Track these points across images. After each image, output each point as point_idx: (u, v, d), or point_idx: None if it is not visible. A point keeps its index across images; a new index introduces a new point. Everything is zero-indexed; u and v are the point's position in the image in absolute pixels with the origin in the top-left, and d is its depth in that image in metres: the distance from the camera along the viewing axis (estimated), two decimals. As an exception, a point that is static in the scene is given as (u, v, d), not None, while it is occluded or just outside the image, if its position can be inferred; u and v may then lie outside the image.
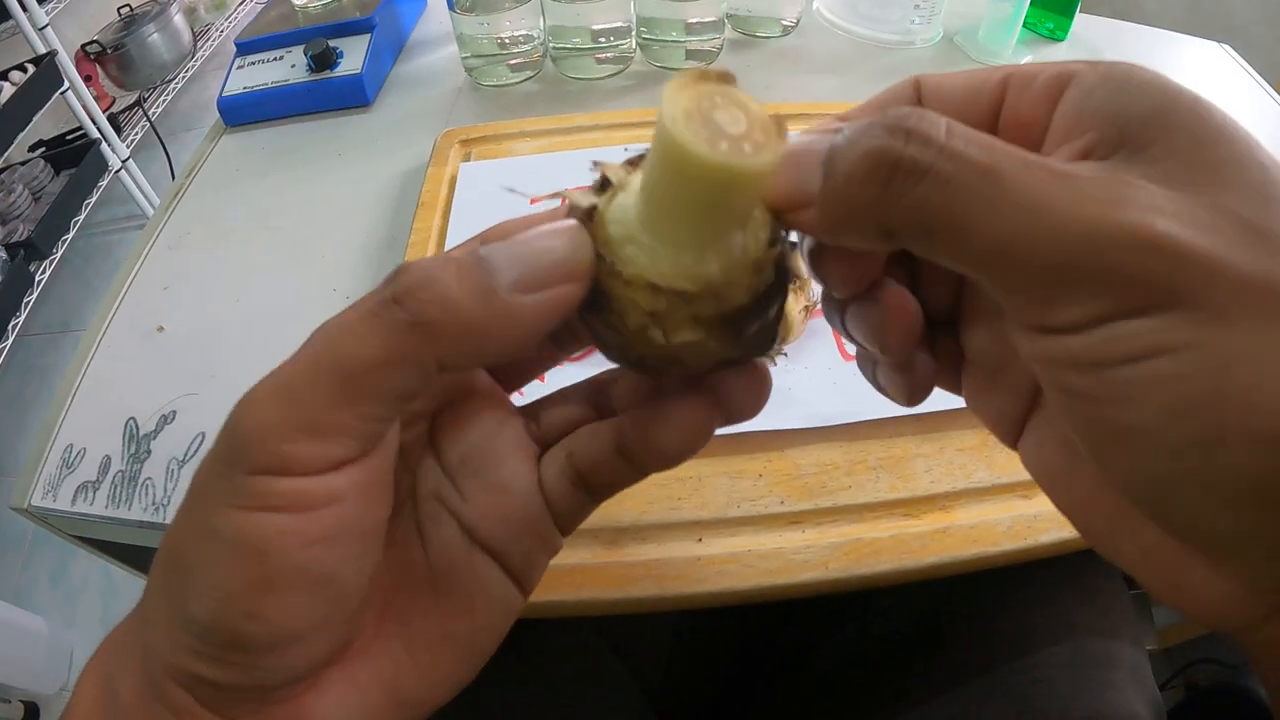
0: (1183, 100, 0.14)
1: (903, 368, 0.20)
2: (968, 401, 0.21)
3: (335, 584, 0.16)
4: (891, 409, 0.36)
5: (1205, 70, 0.65)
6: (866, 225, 0.15)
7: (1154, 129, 0.14)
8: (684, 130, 0.14)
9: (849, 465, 0.35)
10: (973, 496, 0.33)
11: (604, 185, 0.17)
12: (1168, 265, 0.13)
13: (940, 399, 0.35)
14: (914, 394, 0.20)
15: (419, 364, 0.15)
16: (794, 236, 0.17)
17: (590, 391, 0.21)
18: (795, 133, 0.16)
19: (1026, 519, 0.33)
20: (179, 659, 0.16)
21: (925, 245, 0.14)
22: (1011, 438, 0.20)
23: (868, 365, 0.21)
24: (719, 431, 0.31)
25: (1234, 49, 0.66)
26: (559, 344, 0.22)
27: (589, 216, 0.16)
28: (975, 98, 0.17)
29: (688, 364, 0.17)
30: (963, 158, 0.13)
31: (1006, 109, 0.17)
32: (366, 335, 0.15)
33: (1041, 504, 0.33)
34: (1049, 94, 0.16)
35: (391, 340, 0.15)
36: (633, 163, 0.17)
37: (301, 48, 0.63)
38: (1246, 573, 0.14)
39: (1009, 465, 0.34)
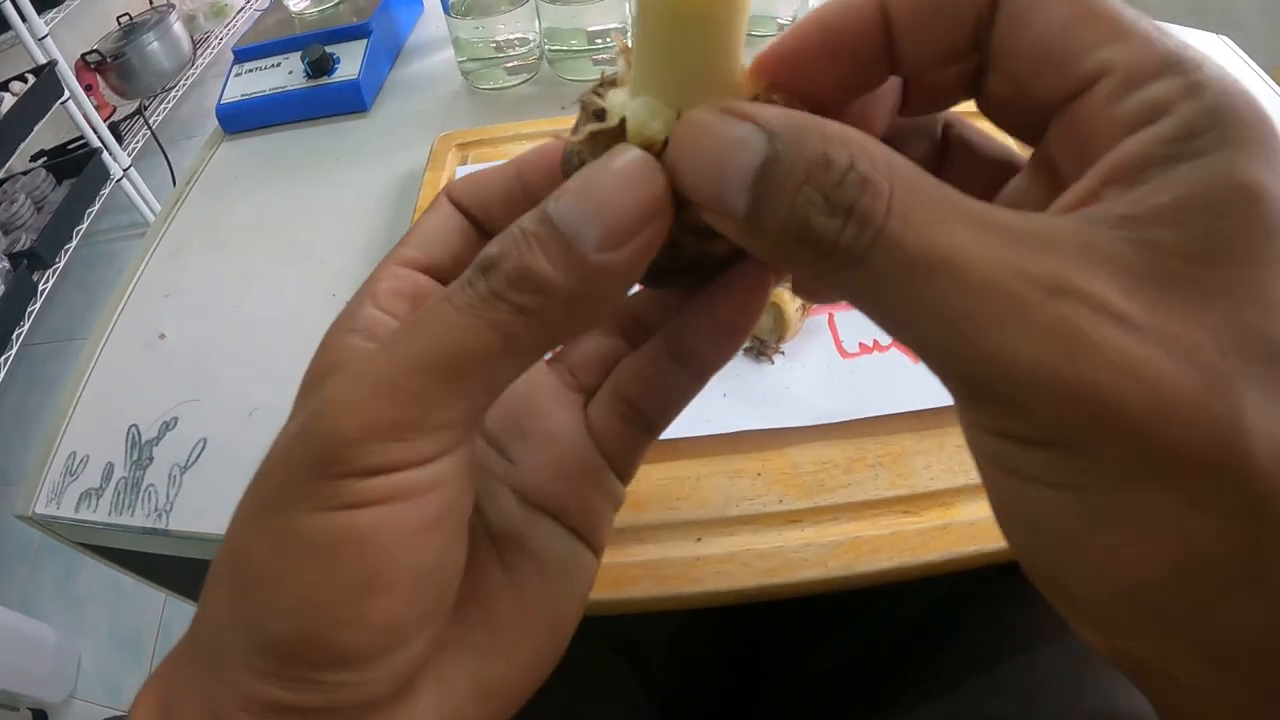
0: (1241, 201, 0.12)
1: None
2: None
3: (439, 574, 0.16)
4: (890, 406, 0.36)
5: (1203, 62, 0.65)
6: (798, 271, 0.15)
7: (1184, 217, 0.12)
8: None
9: (848, 463, 0.35)
10: (973, 493, 0.33)
11: (598, 115, 0.16)
12: (1081, 420, 0.12)
13: (939, 395, 0.36)
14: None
15: (532, 347, 0.15)
16: None
17: (618, 327, 0.21)
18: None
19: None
20: (254, 688, 0.14)
21: (857, 308, 0.14)
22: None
23: None
24: (716, 431, 0.32)
25: (1233, 41, 0.66)
26: None
27: (618, 134, 0.15)
28: (1063, 56, 0.14)
29: (689, 250, 0.16)
30: (898, 248, 0.12)
31: (1088, 104, 0.14)
32: (479, 329, 0.14)
33: (1041, 499, 0.33)
34: (1133, 124, 0.13)
35: (502, 330, 0.14)
36: (607, 82, 0.17)
37: (299, 54, 0.63)
38: (1100, 641, 0.15)
39: (1008, 461, 0.34)
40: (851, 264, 0.13)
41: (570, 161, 0.17)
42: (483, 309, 0.14)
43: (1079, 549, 0.13)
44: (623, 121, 0.15)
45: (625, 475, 0.20)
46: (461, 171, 0.52)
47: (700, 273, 0.18)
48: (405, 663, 0.15)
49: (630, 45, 0.16)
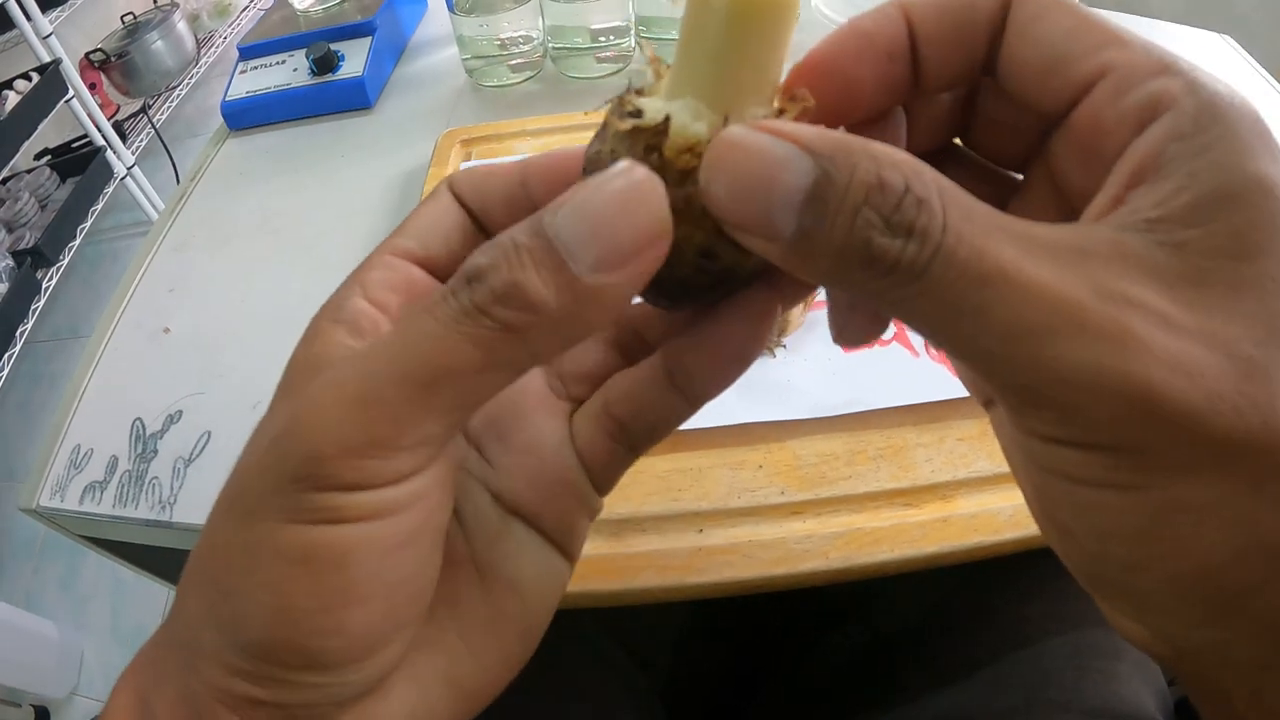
0: (1254, 193, 0.13)
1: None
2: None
3: (414, 584, 0.16)
4: (892, 399, 0.36)
5: (1207, 62, 0.65)
6: (849, 292, 0.15)
7: (1208, 215, 0.13)
8: None
9: (849, 455, 0.35)
10: (973, 486, 0.34)
11: (633, 113, 0.16)
12: (1140, 419, 0.12)
13: (940, 388, 0.36)
14: (854, 334, 0.19)
15: (513, 365, 0.15)
16: None
17: (615, 339, 0.20)
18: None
19: (1027, 508, 0.33)
20: (229, 684, 0.15)
21: (910, 327, 0.14)
22: (982, 400, 0.20)
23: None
24: (719, 423, 0.32)
25: (1236, 40, 0.66)
26: None
27: (655, 143, 0.15)
28: (1065, 61, 0.15)
29: (725, 261, 0.16)
30: (956, 264, 0.13)
31: (1091, 104, 0.15)
32: (459, 344, 0.14)
33: (1042, 492, 0.33)
34: (1138, 118, 0.14)
35: (484, 347, 0.14)
36: (633, 92, 0.17)
37: (303, 52, 0.63)
38: (1148, 636, 0.15)
39: (1010, 454, 0.35)
40: (910, 280, 0.13)
41: (598, 162, 0.16)
42: (465, 323, 0.14)
43: (1144, 544, 0.13)
44: (666, 120, 0.15)
45: (604, 488, 0.19)
46: (465, 168, 0.52)
47: (722, 291, 0.17)
48: (379, 666, 0.15)
49: (657, 55, 0.16)
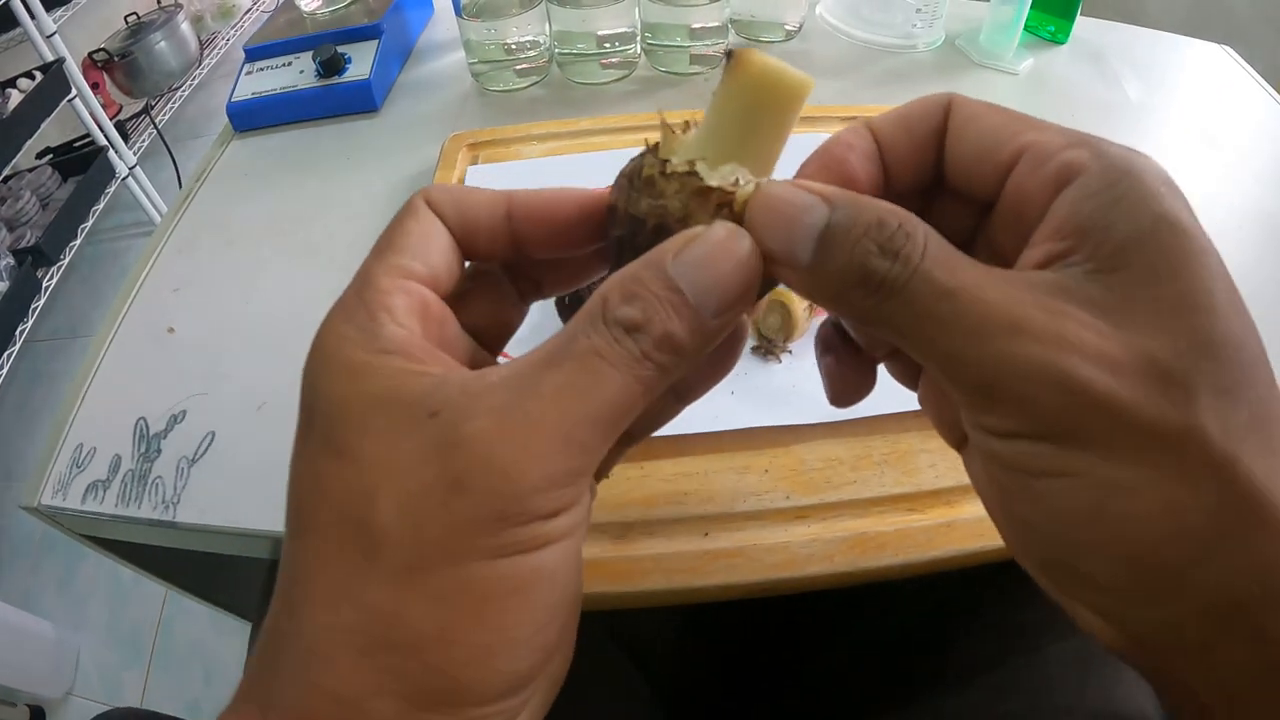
0: (1164, 230, 0.16)
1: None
2: (920, 402, 0.23)
3: (580, 594, 0.18)
4: (896, 405, 0.36)
5: (1207, 72, 0.65)
6: (846, 311, 0.18)
7: (1127, 255, 0.16)
8: (757, 56, 0.19)
9: (854, 460, 0.35)
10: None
11: (691, 174, 0.19)
12: (1076, 407, 0.15)
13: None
14: (847, 395, 0.23)
15: (654, 396, 0.17)
16: None
17: None
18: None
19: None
20: None
21: (892, 339, 0.17)
22: (955, 442, 0.21)
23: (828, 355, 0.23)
24: (724, 427, 0.32)
25: (1235, 50, 0.66)
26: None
27: (724, 201, 0.18)
28: (993, 149, 0.19)
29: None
30: (930, 281, 0.16)
31: (1015, 178, 0.18)
32: (631, 385, 0.17)
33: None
34: (1055, 183, 0.17)
35: (645, 386, 0.17)
36: (653, 146, 0.20)
37: (310, 53, 0.63)
38: (1106, 626, 0.17)
39: (1013, 461, 0.35)
40: (894, 294, 0.16)
41: (666, 213, 0.19)
42: (637, 368, 0.17)
43: (1092, 525, 0.15)
44: (735, 183, 0.18)
45: (601, 475, 0.21)
46: (473, 172, 0.52)
47: None
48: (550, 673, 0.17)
49: (676, 124, 0.20)
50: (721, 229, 0.17)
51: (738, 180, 0.18)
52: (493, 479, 0.15)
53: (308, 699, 0.15)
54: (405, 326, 0.18)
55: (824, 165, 0.20)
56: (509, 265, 0.23)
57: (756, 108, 0.19)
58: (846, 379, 0.23)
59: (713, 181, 0.18)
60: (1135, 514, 0.15)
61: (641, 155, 0.19)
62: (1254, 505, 0.14)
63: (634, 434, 0.21)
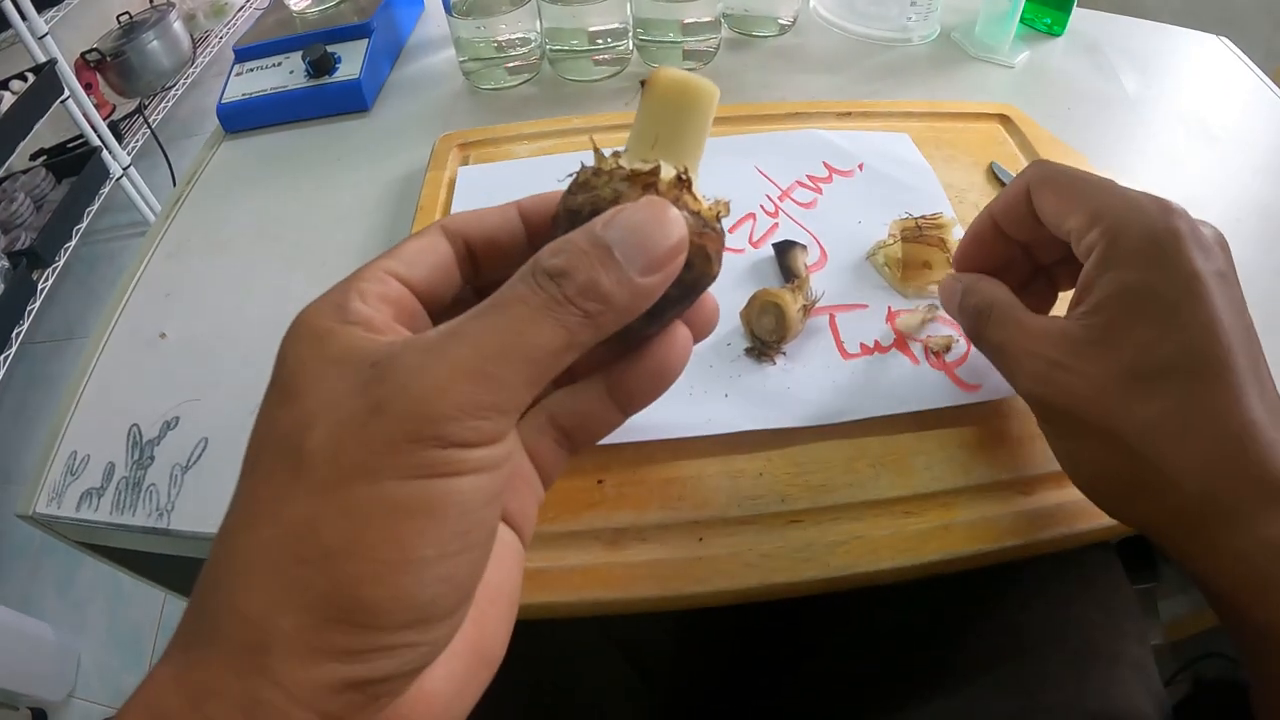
0: (1130, 295, 0.26)
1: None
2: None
3: (493, 538, 0.18)
4: (892, 407, 0.36)
5: (1203, 63, 0.65)
6: (968, 328, 0.32)
7: (1109, 306, 0.26)
8: (666, 71, 0.22)
9: (849, 463, 0.35)
10: (973, 493, 0.34)
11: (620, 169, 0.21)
12: (1055, 415, 0.28)
13: (940, 396, 0.36)
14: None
15: (580, 346, 0.18)
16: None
17: None
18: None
19: (1027, 515, 0.33)
20: (314, 673, 0.15)
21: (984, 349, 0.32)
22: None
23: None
24: (718, 431, 0.33)
25: (1232, 40, 0.66)
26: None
27: (650, 182, 0.21)
28: (1055, 228, 0.30)
29: (696, 270, 0.21)
30: (988, 338, 0.31)
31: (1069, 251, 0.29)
32: (553, 328, 0.18)
33: (1042, 500, 0.33)
34: (1084, 255, 0.28)
35: (568, 330, 0.18)
36: (599, 157, 0.22)
37: (300, 53, 0.63)
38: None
39: (1010, 461, 0.34)
40: (979, 338, 0.32)
41: (599, 200, 0.20)
42: (559, 311, 0.18)
43: (1081, 465, 0.28)
44: (658, 166, 0.21)
45: (548, 482, 0.23)
46: (463, 171, 0.52)
47: (682, 306, 0.22)
48: (461, 620, 0.17)
49: (596, 144, 0.22)
50: (646, 198, 0.19)
51: (659, 165, 0.21)
52: (409, 403, 0.16)
53: (218, 620, 0.16)
54: (374, 309, 0.19)
55: (972, 249, 0.34)
56: None
57: (672, 111, 0.22)
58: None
59: (639, 167, 0.21)
60: (1092, 464, 0.28)
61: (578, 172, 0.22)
62: (1154, 466, 0.25)
63: (575, 439, 0.22)
